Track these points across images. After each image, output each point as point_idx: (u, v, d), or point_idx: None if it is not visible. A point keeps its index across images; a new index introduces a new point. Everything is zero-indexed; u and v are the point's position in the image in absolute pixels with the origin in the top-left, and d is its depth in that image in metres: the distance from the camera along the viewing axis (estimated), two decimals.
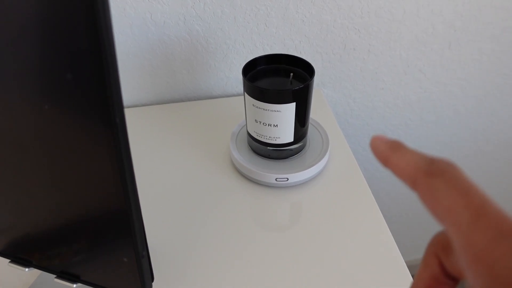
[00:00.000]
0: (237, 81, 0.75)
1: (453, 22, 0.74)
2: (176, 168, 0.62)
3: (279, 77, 0.57)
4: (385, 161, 0.21)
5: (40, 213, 0.39)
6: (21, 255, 0.44)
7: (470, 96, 0.87)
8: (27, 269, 0.43)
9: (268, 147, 0.58)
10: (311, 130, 0.63)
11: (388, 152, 0.21)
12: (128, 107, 0.75)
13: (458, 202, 0.17)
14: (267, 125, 0.55)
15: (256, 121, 0.55)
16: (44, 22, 0.26)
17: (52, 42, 0.27)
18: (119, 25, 0.65)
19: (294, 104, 0.53)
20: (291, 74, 0.56)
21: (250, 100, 0.54)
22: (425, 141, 0.94)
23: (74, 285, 0.41)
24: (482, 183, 1.08)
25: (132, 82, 0.72)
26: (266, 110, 0.53)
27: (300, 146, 0.59)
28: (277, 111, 0.53)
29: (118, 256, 0.37)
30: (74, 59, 0.27)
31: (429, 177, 0.18)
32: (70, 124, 0.30)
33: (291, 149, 0.59)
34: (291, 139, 0.57)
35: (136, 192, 0.33)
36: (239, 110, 0.71)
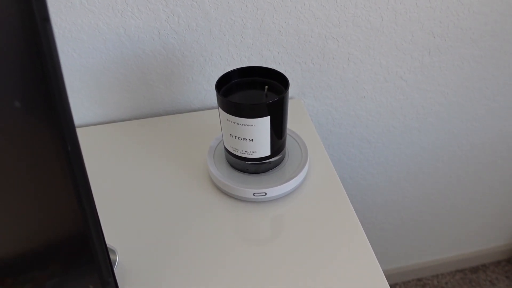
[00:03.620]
0: (215, 93, 0.74)
1: (432, 29, 0.74)
2: (154, 183, 0.61)
3: (254, 90, 0.56)
4: None
5: (2, 240, 0.38)
6: None
7: (452, 102, 0.86)
8: None
9: (245, 162, 0.57)
10: (290, 142, 0.63)
11: None
12: (106, 123, 0.73)
13: None
14: (243, 139, 0.54)
15: (231, 135, 0.55)
16: None
17: None
18: (93, 41, 0.64)
19: (268, 117, 0.52)
20: (266, 87, 0.55)
21: (224, 115, 0.53)
22: (409, 147, 0.93)
23: None
24: (468, 188, 1.08)
25: (108, 98, 0.71)
26: (240, 124, 0.52)
27: (278, 159, 0.58)
28: (252, 125, 0.52)
29: (85, 283, 0.36)
30: (21, 87, 0.26)
31: None
32: (24, 153, 0.29)
33: (269, 163, 0.58)
34: (268, 153, 0.56)
35: (97, 218, 0.32)
36: (219, 123, 0.70)
